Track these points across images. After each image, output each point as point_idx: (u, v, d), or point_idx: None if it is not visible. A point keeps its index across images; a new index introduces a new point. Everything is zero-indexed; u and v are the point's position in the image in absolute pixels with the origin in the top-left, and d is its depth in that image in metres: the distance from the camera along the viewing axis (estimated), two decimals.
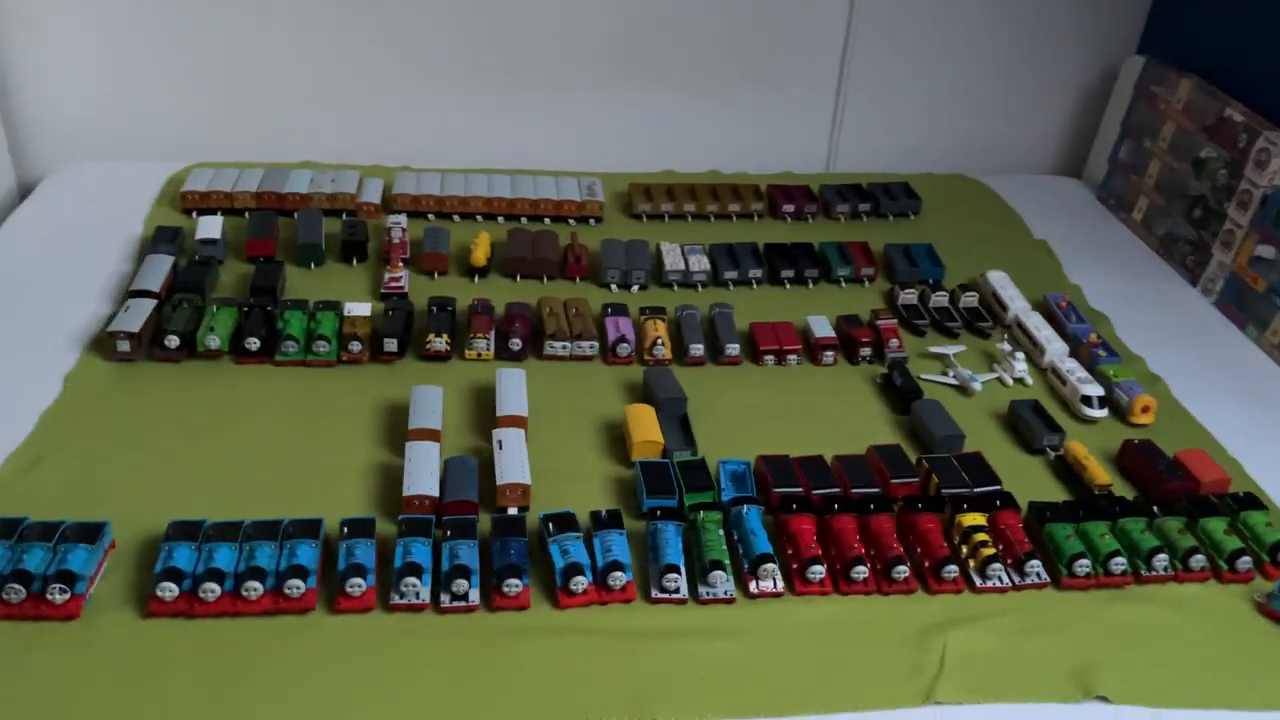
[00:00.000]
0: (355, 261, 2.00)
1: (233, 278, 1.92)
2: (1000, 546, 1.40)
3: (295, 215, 2.08)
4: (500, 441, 1.50)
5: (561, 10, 2.36)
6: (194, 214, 2.09)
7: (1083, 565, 1.38)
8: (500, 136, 2.48)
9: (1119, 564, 1.38)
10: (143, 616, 1.24)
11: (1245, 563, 1.41)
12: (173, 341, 1.68)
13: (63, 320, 1.76)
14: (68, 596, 1.22)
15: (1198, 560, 1.40)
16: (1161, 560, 1.39)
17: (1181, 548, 1.41)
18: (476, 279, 1.99)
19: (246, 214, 2.10)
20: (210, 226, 1.96)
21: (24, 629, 1.21)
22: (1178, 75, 2.28)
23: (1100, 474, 1.54)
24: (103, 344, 1.69)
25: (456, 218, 2.18)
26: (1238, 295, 2.07)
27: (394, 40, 2.34)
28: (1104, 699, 1.24)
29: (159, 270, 1.83)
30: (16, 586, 1.21)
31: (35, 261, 1.93)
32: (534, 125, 2.49)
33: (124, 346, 1.67)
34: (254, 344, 1.70)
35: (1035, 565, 1.38)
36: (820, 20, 2.47)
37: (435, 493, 1.40)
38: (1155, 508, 1.48)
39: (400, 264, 1.94)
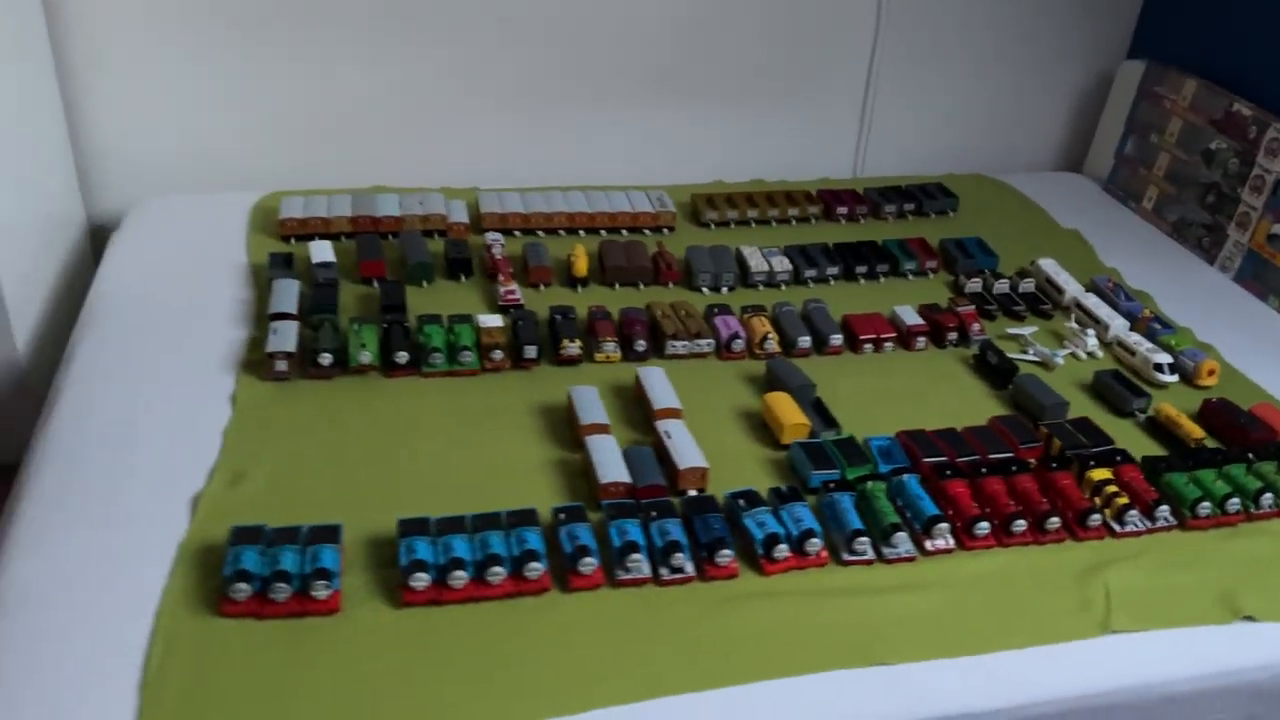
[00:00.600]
0: (463, 278, 2.10)
1: (350, 298, 2.00)
2: (1129, 496, 1.57)
3: (398, 236, 2.17)
4: (668, 432, 1.62)
5: (608, 36, 2.49)
6: (291, 240, 2.17)
7: (1204, 507, 1.56)
8: (553, 155, 2.60)
9: (1234, 504, 1.57)
10: (396, 606, 1.33)
11: None
12: (326, 359, 1.76)
13: (203, 346, 1.82)
14: (329, 592, 1.31)
15: None
16: (1268, 498, 1.59)
17: None
18: (579, 289, 2.11)
19: (341, 237, 2.18)
20: (323, 251, 2.04)
21: (288, 626, 1.30)
22: (1180, 76, 2.52)
23: (1195, 429, 1.74)
24: (261, 365, 1.76)
25: (540, 233, 2.29)
26: (1255, 270, 2.31)
27: (454, 68, 2.44)
28: (1250, 618, 1.42)
29: (290, 294, 1.91)
30: (282, 585, 1.30)
31: (153, 292, 1.97)
32: (584, 143, 2.61)
33: (282, 366, 1.74)
34: (404, 357, 1.79)
35: (1164, 510, 1.56)
36: (848, 37, 2.65)
37: (629, 479, 1.52)
38: (1250, 454, 1.67)
39: (510, 278, 2.05)
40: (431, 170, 2.49)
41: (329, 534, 1.38)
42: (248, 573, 1.30)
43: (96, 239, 2.39)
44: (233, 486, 1.51)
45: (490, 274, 2.10)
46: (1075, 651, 1.37)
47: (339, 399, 1.73)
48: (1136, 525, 1.55)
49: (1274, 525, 1.59)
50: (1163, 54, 2.66)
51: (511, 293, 2.01)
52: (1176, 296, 2.26)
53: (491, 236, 2.17)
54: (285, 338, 1.77)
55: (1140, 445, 1.75)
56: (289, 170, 2.45)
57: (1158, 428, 1.79)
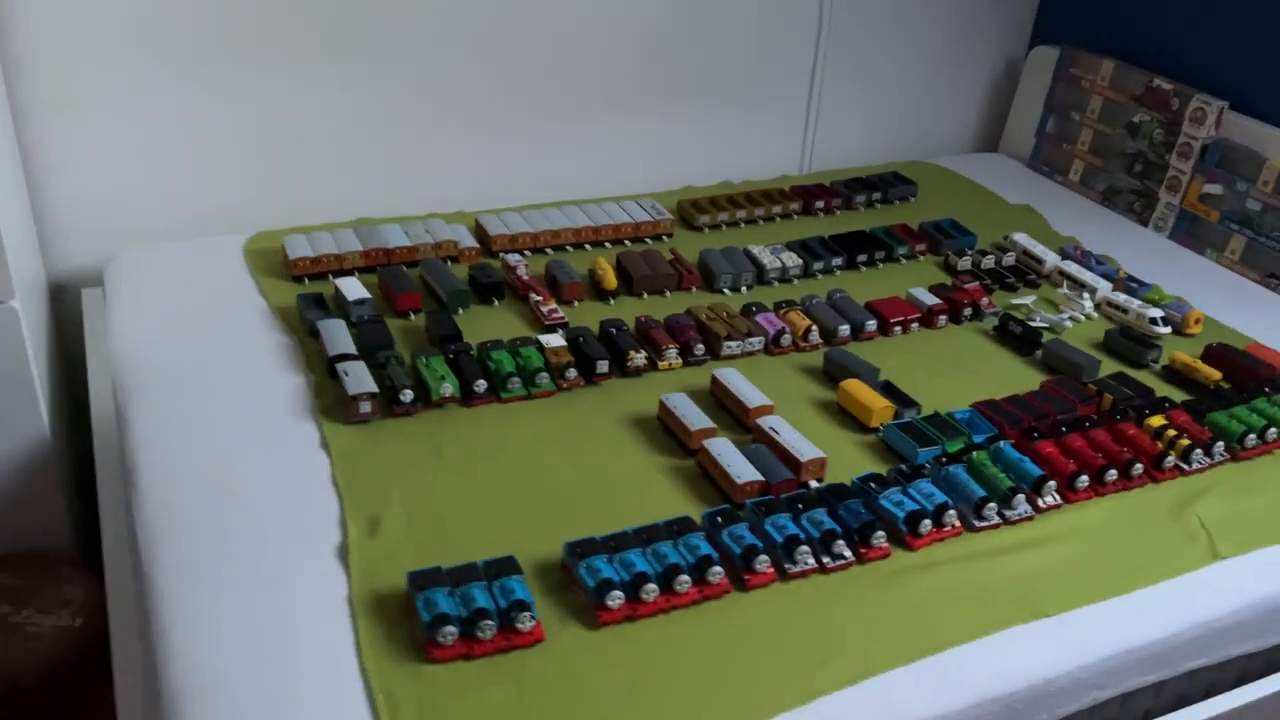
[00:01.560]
0: (495, 301, 2.08)
1: (394, 332, 1.95)
2: (1188, 437, 1.74)
3: (416, 266, 2.13)
4: (774, 428, 1.68)
5: (566, 55, 2.50)
6: (305, 279, 2.09)
7: (1251, 439, 1.75)
8: (526, 172, 2.59)
9: (1272, 433, 1.77)
10: (593, 628, 1.34)
11: None
12: (407, 395, 1.72)
13: (263, 396, 1.74)
14: (532, 623, 1.30)
15: None
16: None
17: None
18: (611, 301, 2.13)
19: (355, 272, 2.12)
20: (355, 288, 1.99)
21: (496, 662, 1.28)
22: (1095, 58, 2.77)
23: (1213, 372, 1.94)
24: (341, 409, 1.70)
25: (549, 250, 2.30)
26: (1189, 228, 2.57)
27: (424, 93, 2.41)
28: None
29: (343, 334, 1.85)
30: (488, 623, 1.28)
31: (180, 347, 1.86)
32: (554, 159, 2.62)
33: (366, 408, 1.70)
34: (482, 385, 1.77)
35: (1219, 445, 1.74)
36: (793, 41, 2.76)
37: (761, 477, 1.57)
38: (1265, 389, 1.88)
39: (549, 297, 2.05)
40: (411, 197, 2.45)
41: (508, 566, 1.37)
42: (448, 615, 1.28)
43: (55, 298, 2.23)
44: (373, 535, 1.46)
45: (521, 295, 2.09)
46: (1195, 580, 1.51)
47: (432, 433, 1.70)
48: (1201, 462, 1.72)
49: None
50: (1065, 39, 2.91)
51: (555, 311, 2.01)
52: (1124, 258, 2.49)
53: (514, 258, 2.17)
54: (362, 379, 1.72)
55: (1166, 392, 1.93)
56: (266, 210, 2.35)
57: (1175, 375, 1.98)
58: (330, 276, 2.11)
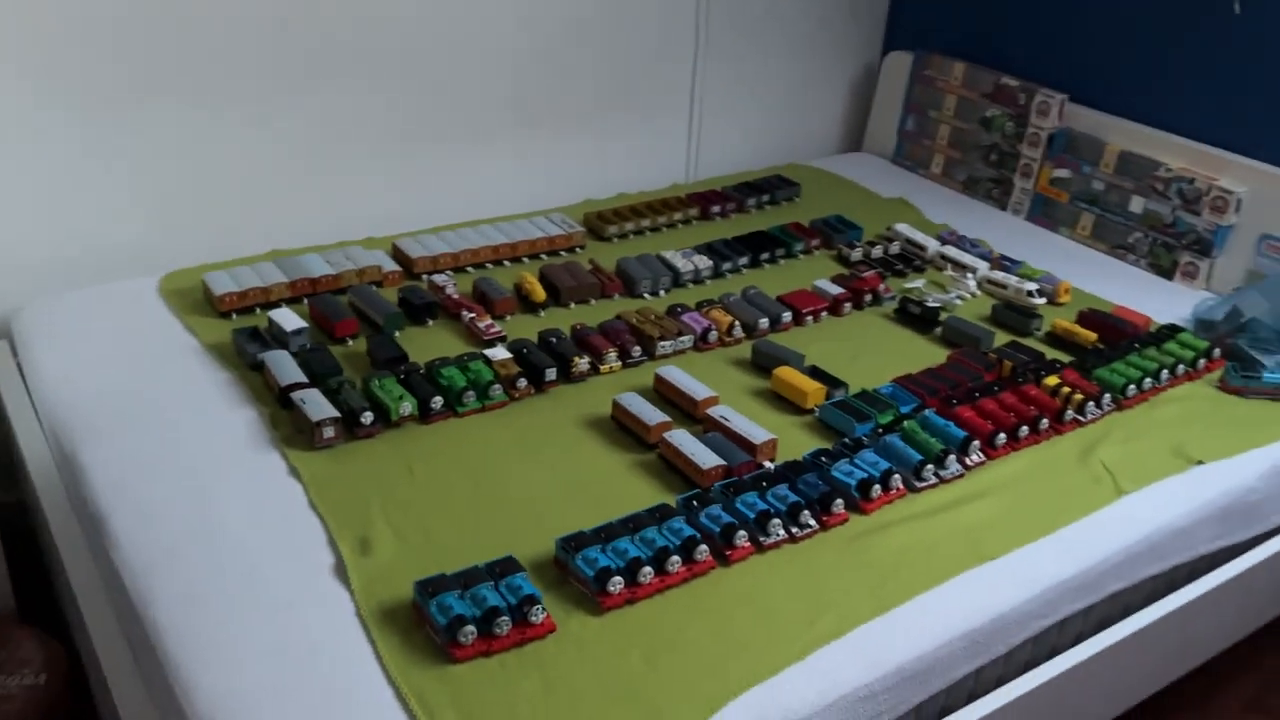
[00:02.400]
0: (429, 321, 2.13)
1: (337, 357, 1.98)
2: (1081, 393, 1.96)
3: (345, 293, 2.16)
4: (724, 416, 1.80)
5: (462, 79, 2.57)
6: (233, 315, 2.09)
7: (1131, 389, 1.98)
8: (430, 194, 2.64)
9: (1148, 382, 2.01)
10: (598, 614, 1.42)
11: (1201, 363, 2.10)
12: (368, 417, 1.76)
13: (218, 433, 1.75)
14: (544, 615, 1.38)
15: (1180, 369, 2.07)
16: (1164, 374, 2.04)
17: (1167, 363, 2.06)
18: (541, 313, 2.21)
19: (282, 304, 2.13)
20: (290, 319, 2.00)
21: (517, 655, 1.35)
22: (948, 60, 3.02)
23: (1089, 334, 2.17)
24: (307, 434, 1.73)
25: (470, 269, 2.36)
26: (1044, 209, 2.84)
27: (325, 125, 2.43)
28: (1200, 462, 1.84)
29: (289, 364, 1.87)
30: (503, 619, 1.34)
31: (117, 390, 1.84)
32: (455, 180, 2.68)
33: (330, 433, 1.73)
34: (439, 402, 1.83)
35: (1106, 397, 1.96)
36: (674, 57, 2.91)
37: (722, 461, 1.68)
38: (1135, 345, 2.13)
39: (484, 313, 2.12)
40: (321, 227, 2.46)
41: (510, 565, 1.44)
42: (464, 616, 1.34)
43: None
44: (366, 553, 1.50)
45: (454, 314, 2.15)
46: (1106, 515, 1.71)
47: (398, 452, 1.74)
48: (1094, 413, 1.94)
49: (1176, 392, 2.05)
50: (916, 44, 3.16)
51: (492, 326, 2.08)
52: (990, 240, 2.73)
53: (441, 278, 2.22)
54: (322, 405, 1.75)
55: (1054, 354, 2.15)
56: (175, 250, 2.31)
57: (1057, 339, 2.21)
58: (258, 309, 2.11)
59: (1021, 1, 2.89)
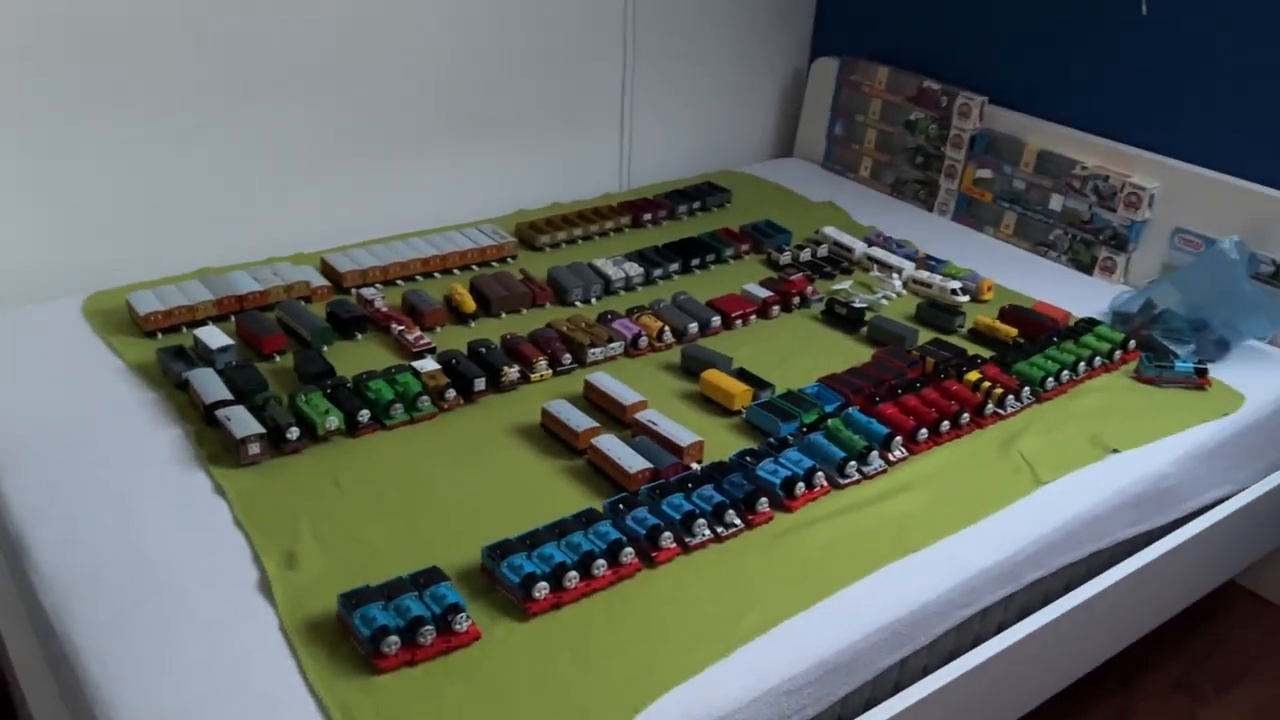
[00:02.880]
0: (358, 335, 2.13)
1: (264, 374, 1.97)
2: (1001, 387, 2.01)
3: (273, 309, 2.15)
4: (652, 420, 1.82)
5: (391, 93, 2.58)
6: (158, 334, 2.08)
7: (1050, 382, 2.04)
8: (362, 209, 2.64)
9: (1065, 375, 2.06)
10: (524, 620, 1.43)
11: (1117, 355, 2.16)
12: (294, 433, 1.76)
13: (141, 454, 1.74)
14: (468, 623, 1.38)
15: (1098, 360, 2.13)
16: (1082, 366, 2.10)
17: (1085, 356, 2.12)
18: (471, 323, 2.22)
19: (209, 321, 2.12)
20: (216, 336, 1.99)
21: (442, 664, 1.35)
22: (871, 65, 3.08)
23: (1010, 330, 2.22)
24: (232, 451, 1.72)
25: (400, 281, 2.36)
26: (969, 209, 2.90)
27: (252, 142, 2.42)
28: (1115, 450, 1.89)
29: (214, 382, 1.85)
30: (427, 629, 1.35)
31: (36, 414, 1.81)
32: (385, 194, 2.68)
33: (255, 449, 1.72)
34: (366, 415, 1.83)
35: (1025, 390, 2.01)
36: (603, 71, 2.94)
37: (649, 465, 1.70)
38: (1054, 339, 2.18)
39: (412, 325, 2.12)
40: (250, 244, 2.45)
41: (435, 575, 1.44)
42: (388, 627, 1.34)
43: None
44: (292, 566, 1.50)
45: (383, 327, 2.15)
46: (1025, 505, 1.76)
47: (324, 467, 1.74)
48: (1014, 406, 1.99)
49: (1093, 383, 2.10)
50: (842, 50, 3.22)
51: (421, 338, 2.09)
52: (918, 240, 2.78)
53: (369, 292, 2.22)
54: (247, 422, 1.74)
55: (976, 350, 2.20)
56: (98, 270, 2.29)
57: (980, 335, 2.26)
58: (184, 328, 2.10)
59: (941, 5, 2.96)
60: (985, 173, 2.84)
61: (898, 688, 1.57)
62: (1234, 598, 2.49)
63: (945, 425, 1.89)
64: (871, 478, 1.78)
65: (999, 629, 1.71)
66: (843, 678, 1.48)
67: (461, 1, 2.61)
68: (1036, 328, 2.25)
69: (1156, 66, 2.53)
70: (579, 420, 1.81)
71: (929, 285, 2.45)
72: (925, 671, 1.61)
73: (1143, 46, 2.55)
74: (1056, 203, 2.68)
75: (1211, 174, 2.42)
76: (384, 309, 2.17)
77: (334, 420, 1.79)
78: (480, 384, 1.94)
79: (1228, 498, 2.07)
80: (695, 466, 1.76)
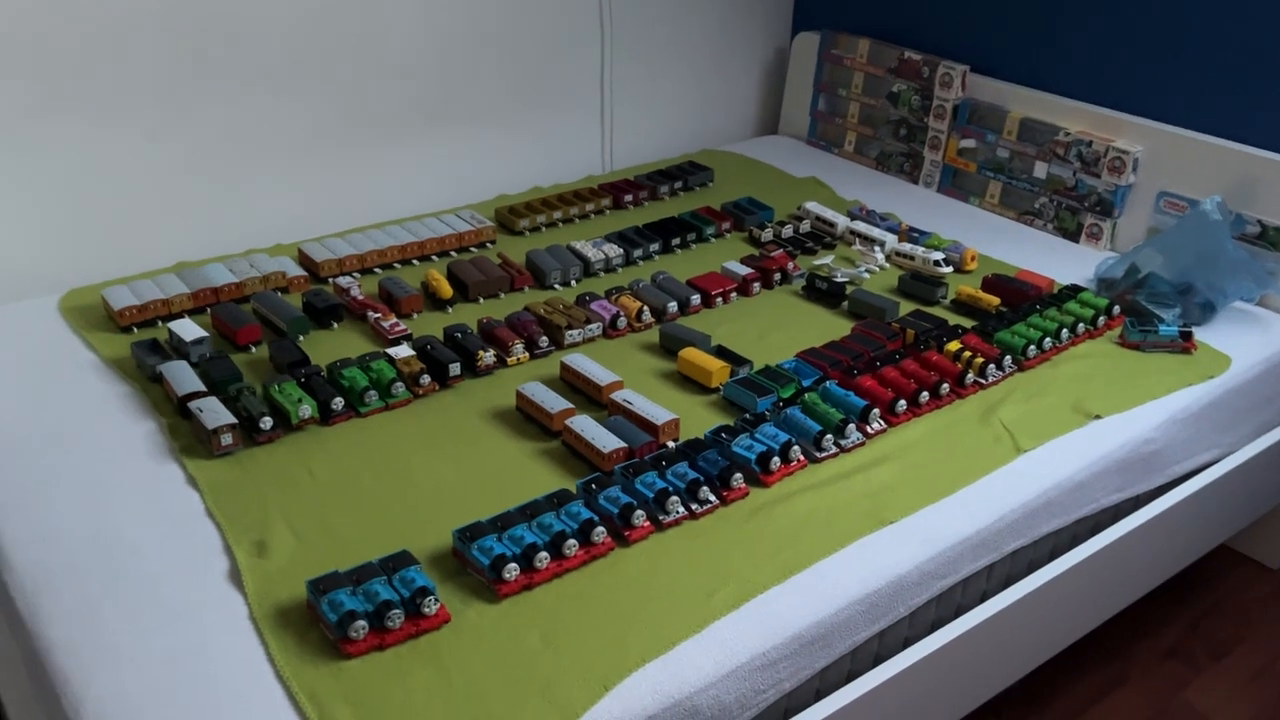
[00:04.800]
0: (334, 325, 2.12)
1: (239, 365, 1.96)
2: (982, 356, 1.99)
3: (249, 301, 2.14)
4: (627, 400, 1.81)
5: (372, 80, 2.56)
6: (133, 328, 2.07)
7: (1032, 350, 2.01)
8: (342, 198, 2.63)
9: (1048, 342, 2.04)
10: (495, 601, 1.42)
11: (1102, 321, 2.14)
12: (267, 423, 1.75)
13: (117, 447, 1.73)
14: (437, 605, 1.37)
15: (1080, 327, 2.10)
16: (1065, 333, 2.07)
17: (1068, 323, 2.10)
18: (449, 309, 2.20)
19: (185, 315, 2.11)
20: (190, 328, 1.98)
21: (411, 647, 1.35)
22: (852, 38, 3.05)
23: (992, 299, 2.20)
24: (206, 443, 1.71)
25: (378, 270, 2.35)
26: (953, 180, 2.88)
27: (228, 133, 2.41)
28: (1098, 416, 1.87)
29: (187, 374, 1.85)
30: (395, 612, 1.34)
31: (11, 411, 1.82)
32: (364, 182, 2.66)
33: (228, 440, 1.71)
34: (340, 403, 1.82)
35: (1006, 360, 1.99)
36: (581, 52, 2.91)
37: (624, 444, 1.69)
38: (1037, 306, 2.16)
39: (388, 312, 2.11)
40: (229, 236, 2.45)
41: (404, 559, 1.43)
42: (355, 612, 1.33)
43: None
44: (263, 555, 1.49)
45: (359, 315, 2.14)
46: (1005, 473, 1.74)
47: (299, 455, 1.73)
48: (995, 375, 1.97)
49: (1077, 350, 2.08)
50: (824, 24, 3.19)
51: (397, 325, 2.07)
52: (903, 213, 2.76)
53: (345, 280, 2.21)
54: (219, 413, 1.73)
55: (958, 321, 2.18)
56: (77, 267, 2.29)
57: (962, 306, 2.24)
58: (160, 322, 2.09)
59: None
60: (969, 143, 2.81)
61: (878, 660, 1.56)
62: (1229, 562, 2.47)
63: (925, 396, 1.87)
64: (849, 451, 1.77)
65: (983, 599, 1.69)
66: (819, 651, 1.46)
67: None
68: (1019, 296, 2.23)
69: (1136, 29, 2.50)
70: (554, 402, 1.79)
71: (911, 257, 2.42)
72: (907, 643, 1.60)
73: (1122, 9, 2.51)
74: (1041, 170, 2.65)
75: (1195, 135, 2.40)
76: (360, 297, 2.16)
77: (307, 409, 1.78)
78: (456, 369, 1.93)
79: (1216, 461, 2.04)
80: (672, 444, 1.75)
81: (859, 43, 3.03)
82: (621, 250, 2.42)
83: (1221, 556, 2.46)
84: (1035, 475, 1.74)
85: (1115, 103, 2.56)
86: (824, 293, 2.27)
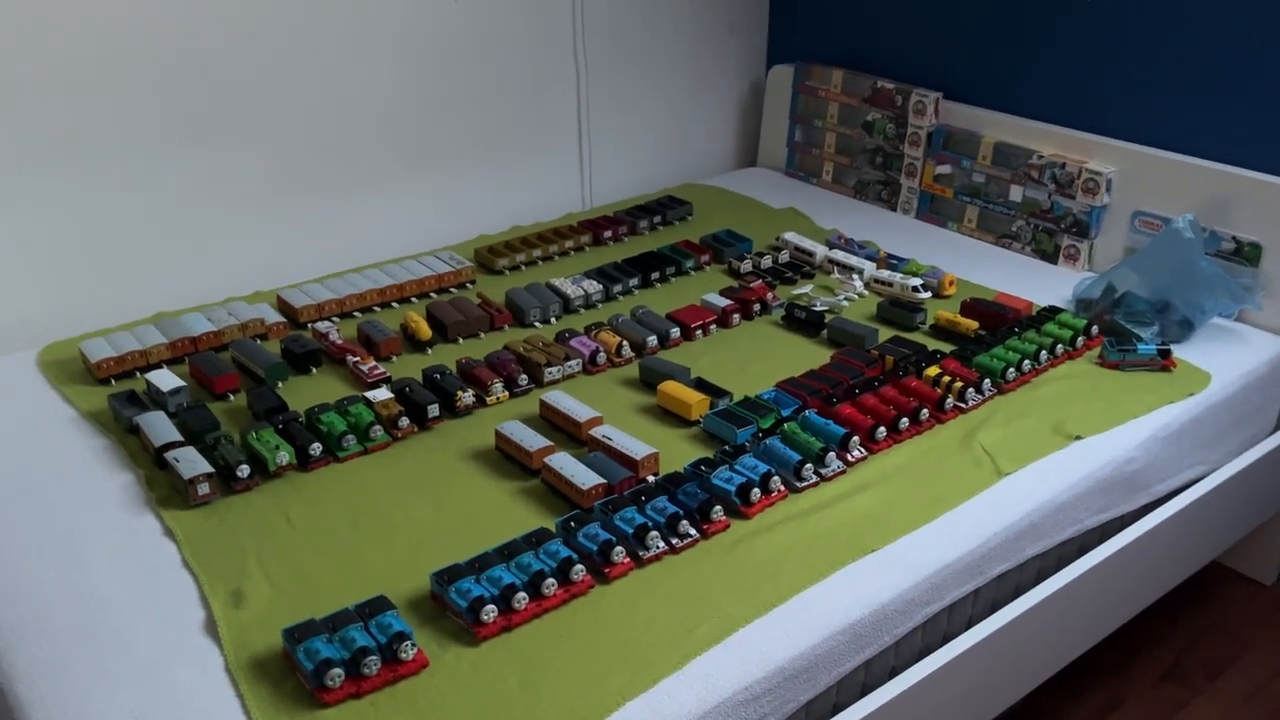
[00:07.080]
0: (313, 370, 2.11)
1: (217, 414, 1.95)
2: (961, 381, 1.98)
3: (227, 349, 2.14)
4: (607, 435, 1.80)
5: (344, 125, 2.58)
6: (111, 380, 2.06)
7: (1011, 373, 2.01)
8: (321, 244, 2.63)
9: (1026, 364, 2.04)
10: (474, 644, 1.41)
11: (1080, 342, 2.14)
12: (244, 471, 1.74)
13: (93, 500, 1.72)
14: (414, 650, 1.36)
15: (1059, 349, 2.10)
16: (1044, 355, 2.07)
17: (1046, 345, 2.10)
18: (429, 351, 2.20)
19: (163, 365, 2.10)
20: (167, 379, 1.97)
21: (389, 694, 1.33)
22: (825, 69, 3.08)
23: (970, 324, 2.20)
24: (183, 493, 1.70)
25: (357, 314, 2.35)
26: (931, 206, 2.89)
27: (205, 183, 2.42)
28: (1078, 437, 1.87)
29: (164, 424, 1.84)
30: (372, 659, 1.33)
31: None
32: (343, 227, 2.67)
33: (204, 489, 1.70)
34: (318, 449, 1.81)
35: (985, 383, 1.99)
36: (557, 94, 2.93)
37: (603, 480, 1.68)
38: (1015, 329, 2.16)
39: (367, 356, 2.11)
40: (207, 285, 2.44)
41: (380, 604, 1.42)
42: (331, 660, 1.32)
43: None
44: (239, 605, 1.48)
45: (338, 359, 2.14)
46: (987, 496, 1.73)
47: (276, 503, 1.72)
48: (974, 399, 1.96)
49: (1056, 372, 2.08)
50: (797, 57, 3.22)
51: (376, 368, 2.07)
52: (882, 240, 2.77)
53: (324, 325, 2.21)
54: (195, 462, 1.72)
55: (936, 346, 2.18)
56: (54, 321, 2.28)
57: (941, 331, 2.24)
58: (138, 373, 2.09)
59: (892, 4, 2.96)
60: (944, 168, 2.83)
61: (865, 690, 1.54)
62: (1222, 580, 2.45)
63: (904, 423, 1.86)
64: (830, 479, 1.76)
65: (969, 625, 1.68)
66: (803, 684, 1.45)
67: (406, 34, 2.61)
68: (999, 319, 2.23)
69: (1105, 51, 2.52)
70: (532, 440, 1.79)
71: (890, 284, 2.43)
72: (894, 673, 1.58)
73: (1091, 32, 2.54)
74: (1016, 194, 2.67)
75: (1167, 155, 2.41)
76: (339, 341, 2.16)
77: (284, 455, 1.78)
78: (434, 410, 1.92)
79: (1201, 479, 2.04)
80: (652, 478, 1.74)
81: (833, 73, 3.05)
82: (601, 286, 2.42)
83: (1216, 572, 2.45)
84: (1017, 498, 1.73)
85: (1087, 125, 2.58)
86: (803, 322, 2.27)
